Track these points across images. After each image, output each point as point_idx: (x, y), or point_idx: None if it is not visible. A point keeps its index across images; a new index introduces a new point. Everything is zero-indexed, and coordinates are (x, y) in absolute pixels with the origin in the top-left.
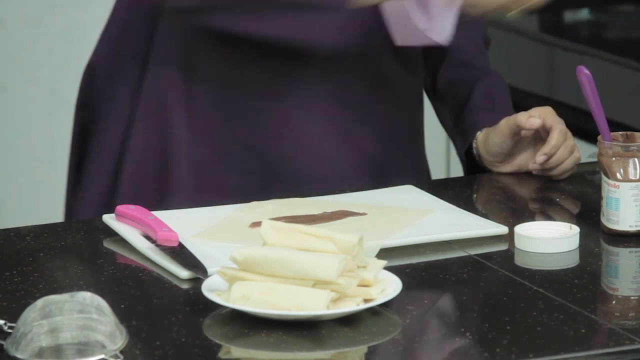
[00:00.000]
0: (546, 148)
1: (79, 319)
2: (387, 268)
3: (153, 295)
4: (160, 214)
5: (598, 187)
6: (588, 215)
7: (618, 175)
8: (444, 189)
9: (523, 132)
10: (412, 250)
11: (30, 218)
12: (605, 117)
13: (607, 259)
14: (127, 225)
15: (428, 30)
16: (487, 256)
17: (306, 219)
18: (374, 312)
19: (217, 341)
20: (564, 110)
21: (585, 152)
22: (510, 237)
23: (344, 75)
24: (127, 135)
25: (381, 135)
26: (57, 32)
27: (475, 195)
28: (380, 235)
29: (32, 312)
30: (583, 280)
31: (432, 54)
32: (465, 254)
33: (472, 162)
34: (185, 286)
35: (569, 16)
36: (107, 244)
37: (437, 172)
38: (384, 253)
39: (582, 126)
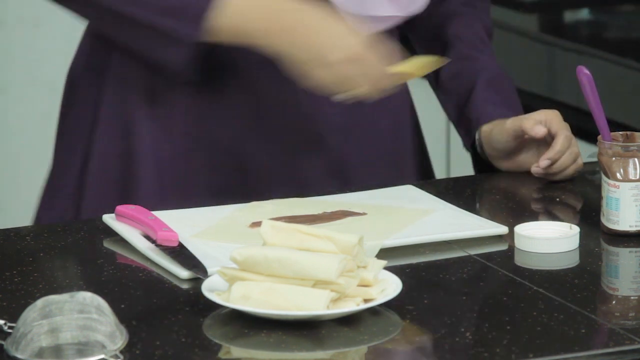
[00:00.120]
0: (550, 153)
1: (79, 319)
2: (387, 268)
3: (153, 295)
4: (160, 214)
5: (598, 187)
6: (588, 215)
7: (618, 175)
8: (444, 189)
9: (527, 136)
10: (412, 250)
11: (30, 218)
12: (605, 117)
13: (607, 259)
14: (127, 225)
15: (394, 12)
16: (487, 256)
17: (306, 219)
18: (374, 312)
19: (217, 341)
20: (564, 110)
21: (585, 152)
22: (510, 237)
23: None
24: (92, 138)
25: (357, 132)
26: (57, 32)
27: (475, 195)
28: (380, 235)
29: (32, 312)
30: (583, 280)
31: (434, 47)
32: (465, 254)
33: (478, 155)
34: (185, 286)
35: (569, 16)
36: (107, 244)
37: (437, 172)
38: (384, 253)
39: (582, 126)
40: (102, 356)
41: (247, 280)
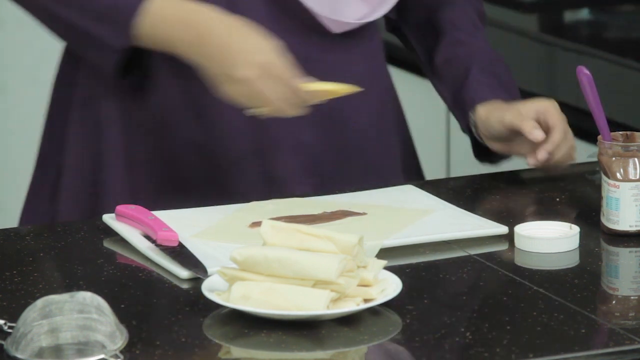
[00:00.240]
0: (548, 146)
1: (79, 319)
2: (387, 268)
3: (153, 295)
4: (160, 214)
5: (598, 187)
6: (588, 215)
7: (618, 175)
8: (444, 189)
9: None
10: (412, 250)
11: None
12: (605, 117)
13: (607, 259)
14: (127, 225)
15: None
16: (487, 256)
17: (306, 219)
18: (374, 312)
19: (217, 341)
20: (564, 110)
21: (585, 152)
22: (510, 237)
23: None
24: (64, 140)
25: (333, 130)
26: None
27: (475, 195)
28: (380, 235)
29: (32, 312)
30: (583, 280)
31: (427, 34)
32: (465, 254)
33: (477, 139)
34: (185, 286)
35: (569, 16)
36: (107, 244)
37: (437, 172)
38: (384, 253)
39: (582, 126)
40: (102, 356)
41: (247, 280)
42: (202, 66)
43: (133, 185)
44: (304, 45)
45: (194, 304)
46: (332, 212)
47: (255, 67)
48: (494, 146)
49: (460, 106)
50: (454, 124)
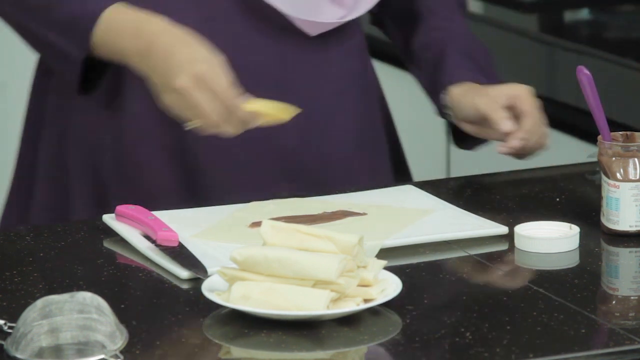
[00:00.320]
0: (519, 134)
1: (79, 319)
2: (387, 268)
3: (153, 295)
4: (160, 214)
5: (598, 187)
6: (588, 215)
7: (618, 175)
8: (444, 189)
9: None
10: (412, 250)
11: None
12: (605, 117)
13: (607, 259)
14: (127, 225)
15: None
16: (487, 256)
17: (306, 219)
18: (374, 312)
19: (217, 341)
20: (564, 110)
21: (585, 152)
22: (510, 237)
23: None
24: (37, 144)
25: (314, 133)
26: None
27: (475, 195)
28: (380, 235)
29: (32, 312)
30: (583, 280)
31: (405, 22)
32: (465, 254)
33: (454, 124)
34: (185, 286)
35: (569, 16)
36: (107, 244)
37: (437, 172)
38: (384, 253)
39: (582, 126)
40: (102, 356)
41: (247, 280)
42: (147, 76)
43: (101, 194)
44: (281, 46)
45: (194, 304)
46: (332, 212)
47: (192, 77)
48: (466, 128)
49: (435, 89)
50: None
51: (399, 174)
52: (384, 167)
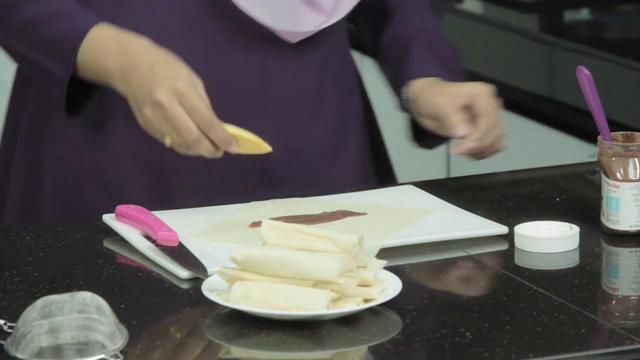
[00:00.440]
0: (474, 135)
1: (79, 319)
2: (387, 268)
3: (153, 295)
4: (160, 214)
5: (598, 187)
6: (588, 215)
7: (618, 175)
8: (444, 189)
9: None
10: (412, 250)
11: None
12: (605, 117)
13: (607, 259)
14: (127, 225)
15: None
16: (487, 256)
17: (306, 219)
18: (374, 312)
19: (217, 341)
20: (564, 110)
21: (585, 152)
22: (510, 237)
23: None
24: (14, 148)
25: (289, 137)
26: None
27: (475, 195)
28: (380, 235)
29: (32, 312)
30: (583, 280)
31: (377, 19)
32: (465, 254)
33: (414, 121)
34: (185, 286)
35: (569, 16)
36: (107, 244)
37: (437, 172)
38: (384, 253)
39: (582, 126)
40: (102, 356)
41: (247, 280)
42: (127, 93)
43: (70, 200)
44: (261, 55)
45: (194, 304)
46: (332, 212)
47: (172, 92)
48: (426, 123)
49: (397, 82)
50: None
51: (382, 174)
52: (366, 168)
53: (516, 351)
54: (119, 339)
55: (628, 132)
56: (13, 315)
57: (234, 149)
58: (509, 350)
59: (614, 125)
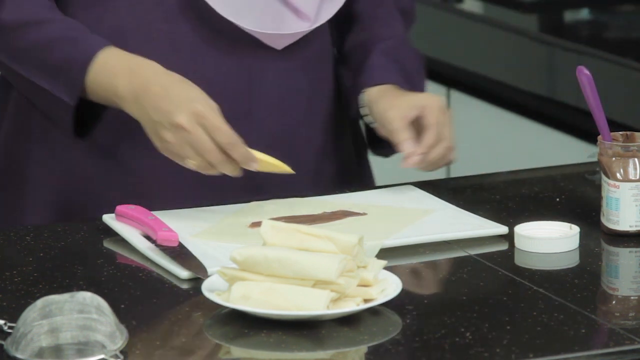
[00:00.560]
0: (419, 149)
1: (79, 319)
2: (387, 268)
3: (153, 295)
4: (160, 214)
5: (598, 187)
6: (588, 215)
7: (618, 175)
8: (444, 189)
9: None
10: (412, 250)
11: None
12: (605, 117)
13: (607, 259)
14: (127, 225)
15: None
16: (487, 256)
17: (306, 219)
18: (374, 312)
19: (217, 341)
20: (564, 110)
21: (585, 152)
22: (510, 237)
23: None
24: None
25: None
26: None
27: (475, 195)
28: (380, 235)
29: (32, 312)
30: (583, 280)
31: (344, 25)
32: (465, 254)
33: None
34: (185, 286)
35: (569, 16)
36: (107, 244)
37: (437, 172)
38: (384, 253)
39: (582, 126)
40: (102, 356)
41: (247, 280)
42: (139, 116)
43: (52, 203)
44: (248, 61)
45: (194, 304)
46: (332, 212)
47: (192, 115)
48: (380, 131)
49: (356, 90)
50: (454, 124)
51: (364, 175)
52: (352, 171)
53: (516, 351)
54: (119, 339)
55: (628, 132)
56: (13, 315)
57: (255, 166)
58: (509, 350)
59: (614, 125)
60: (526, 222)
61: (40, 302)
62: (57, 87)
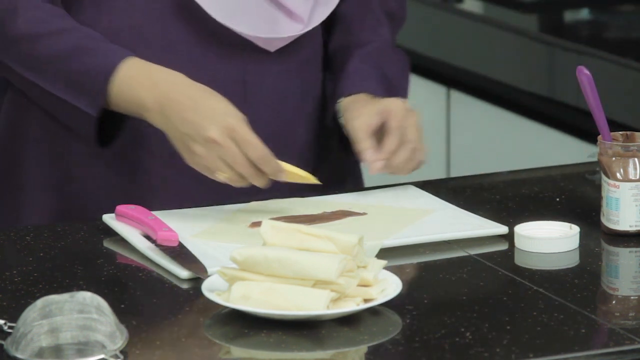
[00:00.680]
0: (381, 155)
1: (79, 319)
2: (387, 268)
3: (153, 295)
4: (160, 214)
5: (598, 187)
6: (588, 215)
7: (618, 175)
8: (444, 189)
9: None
10: (412, 250)
11: None
12: (605, 117)
13: (607, 259)
14: (127, 225)
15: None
16: (487, 256)
17: (306, 219)
18: (374, 312)
19: (217, 341)
20: (564, 110)
21: (585, 152)
22: (510, 237)
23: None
24: None
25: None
26: None
27: (475, 195)
28: (380, 235)
29: (32, 312)
30: (583, 280)
31: (329, 28)
32: (465, 254)
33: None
34: (185, 286)
35: (569, 16)
36: (107, 244)
37: (437, 172)
38: (384, 253)
39: (582, 126)
40: (102, 356)
41: (247, 280)
42: (166, 127)
43: (52, 203)
44: (241, 64)
45: (194, 304)
46: (332, 212)
47: (225, 130)
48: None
49: (333, 99)
50: (454, 124)
51: (355, 175)
52: (342, 171)
53: (516, 351)
54: (119, 339)
55: (628, 132)
56: (13, 315)
57: (283, 177)
58: (509, 350)
59: (614, 125)
60: (526, 222)
61: (40, 302)
62: (78, 99)
